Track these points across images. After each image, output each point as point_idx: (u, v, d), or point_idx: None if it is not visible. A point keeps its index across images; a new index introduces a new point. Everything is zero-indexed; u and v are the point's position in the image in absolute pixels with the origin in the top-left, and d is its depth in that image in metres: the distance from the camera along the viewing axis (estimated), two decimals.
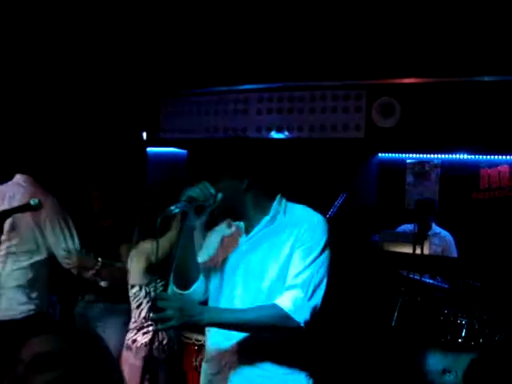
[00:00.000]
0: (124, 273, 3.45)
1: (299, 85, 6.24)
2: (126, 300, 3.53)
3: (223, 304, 2.19)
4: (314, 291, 2.06)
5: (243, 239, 2.23)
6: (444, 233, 5.55)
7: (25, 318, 3.37)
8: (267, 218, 2.18)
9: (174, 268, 2.09)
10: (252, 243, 2.20)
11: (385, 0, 5.00)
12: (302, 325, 2.02)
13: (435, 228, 5.53)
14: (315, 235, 2.11)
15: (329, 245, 2.15)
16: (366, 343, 4.71)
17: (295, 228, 2.13)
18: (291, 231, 2.13)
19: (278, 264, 2.12)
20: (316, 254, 2.09)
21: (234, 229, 2.29)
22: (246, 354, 2.14)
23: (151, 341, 1.97)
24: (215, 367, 2.22)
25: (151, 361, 1.93)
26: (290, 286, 2.06)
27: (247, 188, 2.15)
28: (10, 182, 3.55)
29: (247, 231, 2.23)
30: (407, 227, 5.41)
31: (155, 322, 1.96)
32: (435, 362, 2.80)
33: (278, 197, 2.22)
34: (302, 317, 2.02)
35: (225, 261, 2.25)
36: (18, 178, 3.55)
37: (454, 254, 5.45)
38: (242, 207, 2.19)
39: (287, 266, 2.10)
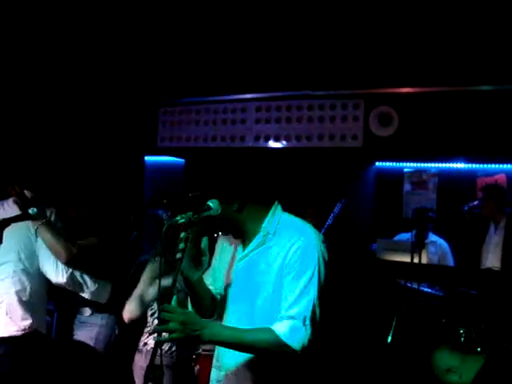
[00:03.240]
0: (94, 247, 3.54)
1: (297, 94, 6.26)
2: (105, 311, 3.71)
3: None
4: (311, 319, 2.06)
5: (238, 256, 2.25)
6: (440, 241, 5.53)
7: (24, 335, 3.38)
8: (259, 237, 2.18)
9: (193, 303, 2.20)
10: (246, 262, 2.22)
11: (382, 10, 5.04)
12: (299, 352, 2.03)
13: (431, 236, 5.51)
14: (305, 258, 2.10)
15: (324, 263, 2.13)
16: (364, 352, 4.71)
17: (284, 248, 2.12)
18: (280, 250, 2.13)
19: (270, 284, 2.14)
20: (307, 280, 2.08)
21: (233, 246, 2.31)
22: (243, 365, 2.17)
23: (154, 350, 1.96)
24: (217, 375, 2.29)
25: (153, 369, 1.92)
26: (287, 316, 2.06)
27: (239, 209, 2.16)
28: (10, 200, 3.55)
29: (244, 245, 2.25)
30: (405, 236, 5.41)
31: (158, 333, 1.97)
32: (441, 359, 2.86)
33: (271, 211, 2.21)
34: (299, 345, 2.03)
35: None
36: None
37: (451, 263, 5.44)
38: (237, 225, 2.20)
39: (279, 286, 2.11)
